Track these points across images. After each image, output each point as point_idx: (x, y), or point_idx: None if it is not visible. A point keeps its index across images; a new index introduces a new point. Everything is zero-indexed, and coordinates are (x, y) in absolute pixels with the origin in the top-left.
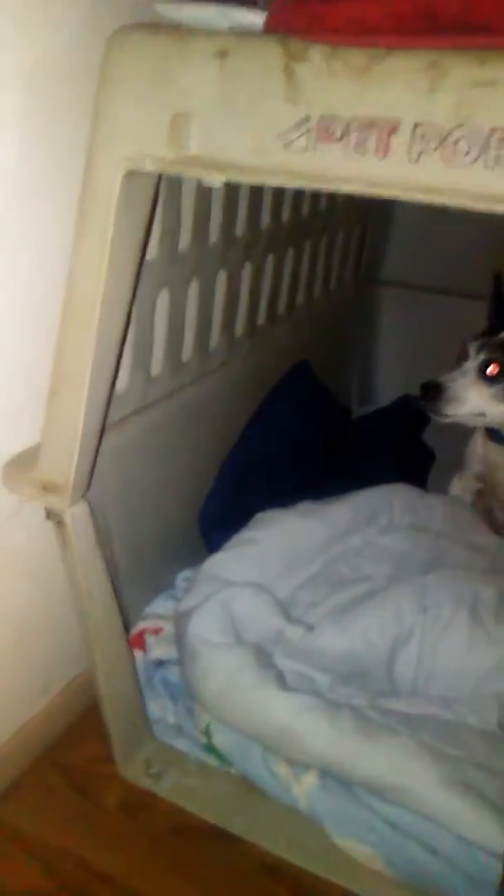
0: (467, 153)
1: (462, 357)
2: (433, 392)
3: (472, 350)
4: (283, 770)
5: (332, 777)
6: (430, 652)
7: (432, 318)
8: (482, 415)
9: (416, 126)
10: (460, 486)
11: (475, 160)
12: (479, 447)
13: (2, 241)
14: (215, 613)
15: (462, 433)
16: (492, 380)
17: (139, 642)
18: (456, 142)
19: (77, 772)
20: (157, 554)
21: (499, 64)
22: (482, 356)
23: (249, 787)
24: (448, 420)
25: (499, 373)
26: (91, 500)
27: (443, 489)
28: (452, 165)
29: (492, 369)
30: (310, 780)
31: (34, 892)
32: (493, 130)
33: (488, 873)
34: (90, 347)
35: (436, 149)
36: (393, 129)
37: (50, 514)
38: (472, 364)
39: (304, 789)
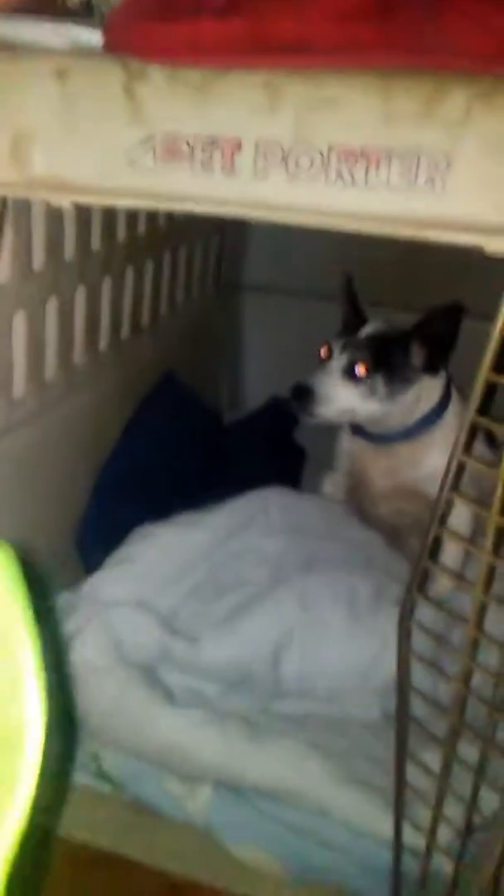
0: (309, 169)
1: (327, 357)
2: (303, 394)
3: (335, 349)
4: (176, 788)
5: (226, 788)
6: (313, 650)
7: (294, 321)
8: (351, 411)
9: (258, 143)
10: (332, 484)
11: (316, 176)
12: (346, 444)
13: None
14: (97, 636)
15: (330, 431)
16: (359, 379)
17: None
18: (298, 158)
19: None
20: None
21: (334, 83)
22: (346, 356)
23: (143, 809)
24: (318, 420)
25: (367, 372)
26: None
27: (316, 488)
28: (296, 182)
29: (360, 370)
30: (203, 793)
31: None
32: (330, 147)
33: (379, 860)
34: None
35: (279, 165)
36: (236, 147)
37: None
38: (337, 364)
39: (198, 804)
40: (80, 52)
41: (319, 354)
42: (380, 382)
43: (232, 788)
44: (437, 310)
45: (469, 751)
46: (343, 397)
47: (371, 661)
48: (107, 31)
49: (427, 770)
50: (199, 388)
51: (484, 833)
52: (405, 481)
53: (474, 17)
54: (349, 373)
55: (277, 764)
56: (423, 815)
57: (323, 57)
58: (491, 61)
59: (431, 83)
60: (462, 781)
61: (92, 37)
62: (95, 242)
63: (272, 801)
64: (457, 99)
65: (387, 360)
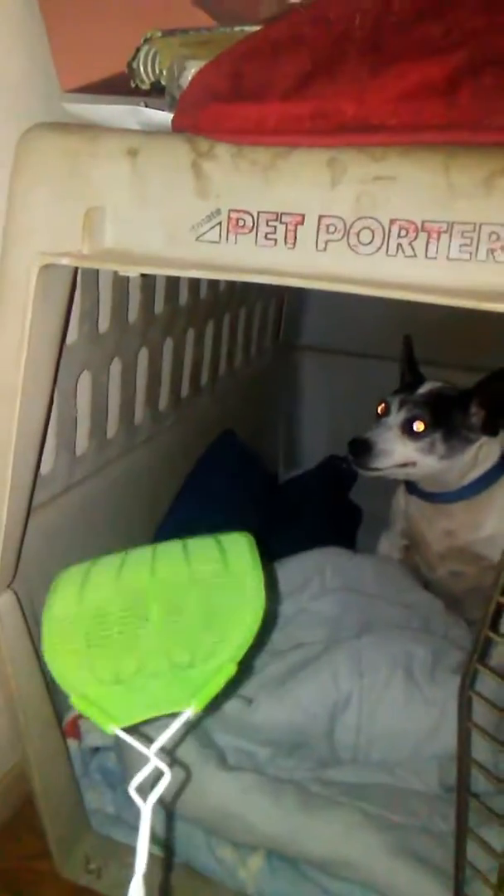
0: (370, 243)
1: (384, 413)
2: (361, 448)
3: (393, 406)
4: (228, 854)
5: (279, 857)
6: (369, 717)
7: (351, 380)
8: (412, 464)
9: (320, 218)
10: (388, 544)
11: (378, 249)
12: (402, 503)
13: None
14: None
15: (386, 490)
16: (417, 434)
17: (73, 730)
18: (359, 232)
19: (12, 872)
20: None
21: (394, 160)
22: (404, 412)
23: (194, 874)
24: (376, 474)
25: (425, 428)
26: (18, 587)
27: (372, 547)
28: (357, 254)
29: (418, 426)
30: (256, 861)
31: None
32: (392, 221)
33: None
34: (11, 435)
35: (340, 239)
36: (299, 221)
37: None
38: (394, 419)
39: (250, 872)
40: (151, 131)
41: (376, 411)
42: (438, 439)
43: (285, 859)
44: (498, 371)
45: None
46: (400, 452)
47: (429, 730)
48: (178, 111)
49: (488, 848)
50: (256, 447)
51: None
52: (462, 543)
53: None
54: (407, 429)
55: (331, 835)
56: (484, 894)
57: (385, 135)
58: None
59: (493, 157)
60: None
61: (162, 117)
62: (159, 307)
63: (325, 873)
64: None
65: (445, 418)
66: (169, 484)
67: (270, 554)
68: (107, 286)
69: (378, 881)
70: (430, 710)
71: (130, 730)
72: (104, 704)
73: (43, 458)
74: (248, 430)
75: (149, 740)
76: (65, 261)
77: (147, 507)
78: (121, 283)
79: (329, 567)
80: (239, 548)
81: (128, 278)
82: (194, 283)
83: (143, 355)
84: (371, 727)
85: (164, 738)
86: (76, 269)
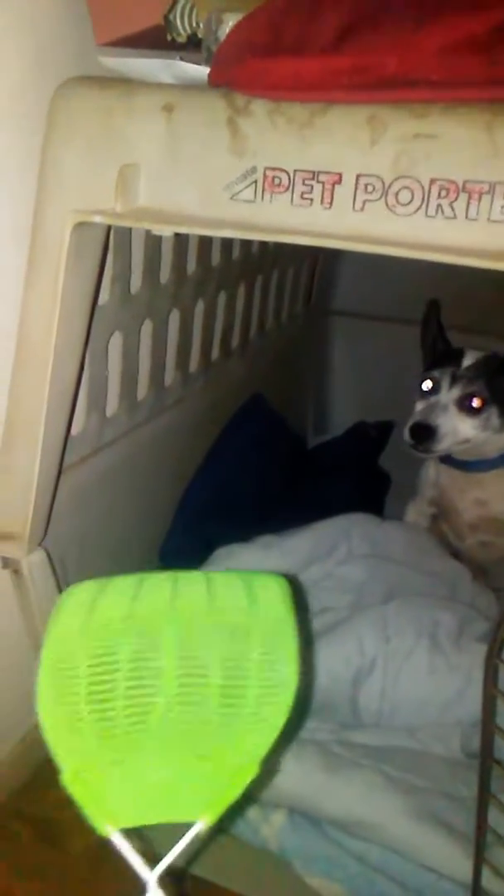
0: (409, 203)
1: (432, 389)
2: (426, 433)
3: (444, 381)
4: (252, 812)
5: (301, 815)
6: (393, 682)
7: (383, 346)
8: (466, 442)
9: (358, 177)
10: (415, 512)
11: (417, 210)
12: (431, 472)
13: None
14: None
15: (416, 457)
16: (475, 410)
17: None
18: (398, 192)
19: (42, 821)
20: None
21: (436, 117)
22: (460, 389)
23: (217, 829)
24: (435, 455)
25: (483, 404)
26: (49, 546)
27: (400, 514)
28: (396, 215)
29: (477, 402)
30: (278, 819)
31: None
32: (432, 181)
33: None
34: (44, 396)
35: (379, 199)
36: (336, 181)
37: (6, 563)
38: (448, 396)
39: (272, 829)
40: (187, 87)
41: (420, 387)
42: (494, 413)
43: (307, 817)
44: None
45: None
46: (461, 431)
47: (453, 696)
48: (214, 66)
49: None
50: (285, 411)
51: None
52: (494, 513)
53: None
54: (465, 405)
55: (353, 796)
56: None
57: (426, 91)
58: None
59: None
60: None
61: (198, 71)
62: (191, 267)
63: (347, 833)
64: None
65: (500, 391)
66: (197, 447)
67: (298, 518)
68: (139, 246)
69: (398, 843)
70: (454, 677)
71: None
72: (102, 794)
73: (74, 419)
74: (278, 394)
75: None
76: (97, 219)
77: (176, 470)
78: (153, 243)
79: (356, 533)
80: (272, 597)
81: (160, 238)
82: (226, 244)
83: (175, 317)
84: (395, 692)
85: (169, 859)
86: (109, 227)
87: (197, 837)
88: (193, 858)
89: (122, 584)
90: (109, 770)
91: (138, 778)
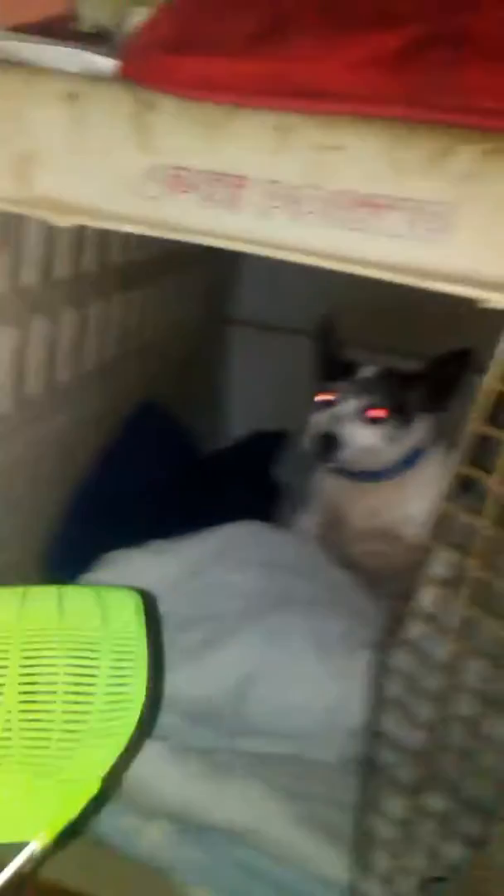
0: (313, 211)
1: (331, 401)
2: (330, 443)
3: (343, 394)
4: (129, 822)
5: (181, 825)
6: (279, 689)
7: (279, 356)
8: (366, 451)
9: (263, 182)
10: (307, 521)
11: (320, 219)
12: (324, 482)
13: None
14: None
15: (308, 467)
16: (375, 421)
17: None
18: (302, 200)
19: None
20: None
21: (341, 130)
22: (361, 400)
23: (94, 843)
24: (338, 465)
25: (383, 415)
26: None
27: (291, 522)
28: (299, 222)
29: (376, 413)
30: (156, 830)
31: None
32: (336, 192)
33: None
34: None
35: (283, 205)
36: (243, 184)
37: None
38: (349, 407)
39: (152, 839)
40: (93, 77)
41: (320, 399)
42: (391, 424)
43: (188, 826)
44: (447, 353)
45: (433, 800)
46: (362, 441)
47: (338, 703)
48: (123, 59)
49: (390, 818)
50: (181, 417)
51: (443, 885)
52: (385, 522)
53: (495, 75)
54: (365, 416)
55: (237, 803)
56: (384, 863)
57: (334, 103)
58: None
59: (441, 136)
60: (425, 830)
61: (105, 63)
62: (88, 264)
63: (230, 842)
64: (465, 154)
65: (397, 401)
66: (89, 450)
67: (188, 524)
68: (33, 238)
69: (281, 850)
70: (340, 683)
71: None
72: None
73: None
74: (174, 400)
75: None
76: None
77: (67, 472)
78: (49, 237)
79: (247, 541)
80: (124, 612)
81: (56, 232)
82: (127, 244)
83: (70, 314)
84: (281, 698)
85: (3, 878)
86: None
87: (35, 854)
88: (69, 874)
89: None
90: None
91: None
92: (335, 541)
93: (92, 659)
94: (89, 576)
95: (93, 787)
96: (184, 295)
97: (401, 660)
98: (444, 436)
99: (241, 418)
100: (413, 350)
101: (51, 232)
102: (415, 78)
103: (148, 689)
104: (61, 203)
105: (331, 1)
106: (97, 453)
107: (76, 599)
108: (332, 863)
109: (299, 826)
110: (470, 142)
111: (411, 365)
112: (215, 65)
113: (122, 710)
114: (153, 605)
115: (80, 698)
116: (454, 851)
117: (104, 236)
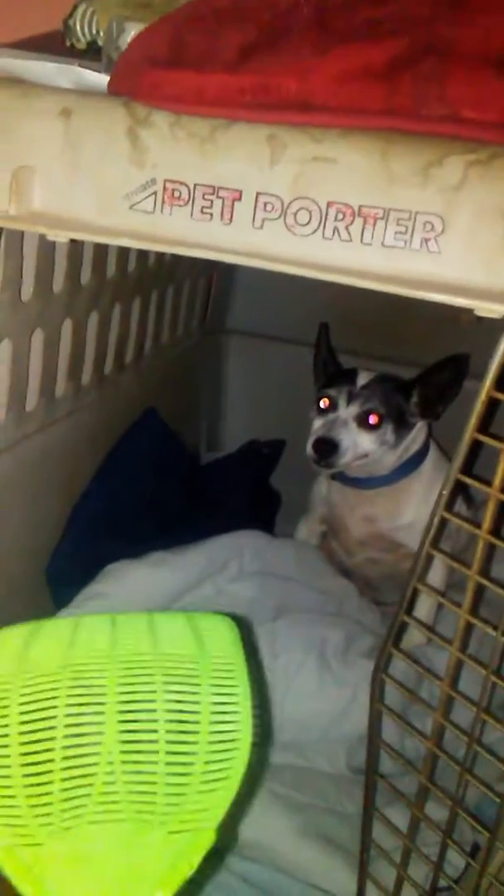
0: (306, 224)
1: (329, 407)
2: (330, 448)
3: (340, 399)
4: None
5: None
6: (281, 698)
7: (275, 366)
8: (365, 456)
9: (258, 195)
10: (306, 529)
11: (314, 231)
12: (323, 489)
13: None
14: None
15: (306, 476)
16: (372, 427)
17: None
18: (296, 213)
19: None
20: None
21: (333, 142)
22: (357, 406)
23: None
24: (336, 470)
25: (379, 420)
26: None
27: (290, 531)
28: (294, 235)
29: (373, 419)
30: None
31: None
32: (329, 204)
33: None
34: None
35: (278, 218)
36: (237, 197)
37: None
38: (347, 413)
39: None
40: (86, 93)
41: (318, 405)
42: (390, 429)
43: None
44: (442, 361)
45: (437, 809)
46: (362, 446)
47: (339, 712)
48: (115, 75)
49: (393, 828)
50: (178, 428)
51: (447, 894)
52: (382, 530)
53: (479, 86)
54: (363, 421)
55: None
56: (388, 874)
57: (325, 116)
58: (491, 131)
59: (431, 148)
60: (429, 841)
61: (98, 79)
62: (85, 277)
63: (233, 853)
64: (454, 165)
65: (393, 407)
66: (88, 462)
67: (188, 535)
68: (31, 253)
69: (284, 861)
70: (341, 693)
71: None
72: (38, 871)
73: None
74: (172, 410)
75: None
76: None
77: (66, 484)
78: (47, 251)
79: (247, 550)
80: (221, 640)
81: (54, 246)
82: (123, 257)
83: (67, 327)
84: (283, 708)
85: None
86: (1, 230)
87: None
88: None
89: (57, 629)
90: (47, 843)
91: (79, 850)
92: (334, 549)
93: (192, 694)
94: (90, 588)
95: (209, 837)
96: (180, 306)
97: (399, 668)
98: (441, 443)
99: (238, 428)
100: (407, 358)
101: (49, 246)
102: (402, 90)
103: (254, 724)
104: (57, 218)
105: (319, 15)
106: (96, 466)
107: (168, 628)
108: (336, 874)
109: (303, 838)
110: (457, 152)
111: (406, 373)
112: (207, 79)
113: (229, 748)
114: (247, 631)
115: (183, 736)
116: (457, 860)
117: (101, 250)
